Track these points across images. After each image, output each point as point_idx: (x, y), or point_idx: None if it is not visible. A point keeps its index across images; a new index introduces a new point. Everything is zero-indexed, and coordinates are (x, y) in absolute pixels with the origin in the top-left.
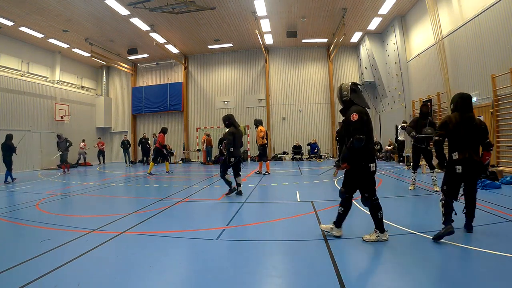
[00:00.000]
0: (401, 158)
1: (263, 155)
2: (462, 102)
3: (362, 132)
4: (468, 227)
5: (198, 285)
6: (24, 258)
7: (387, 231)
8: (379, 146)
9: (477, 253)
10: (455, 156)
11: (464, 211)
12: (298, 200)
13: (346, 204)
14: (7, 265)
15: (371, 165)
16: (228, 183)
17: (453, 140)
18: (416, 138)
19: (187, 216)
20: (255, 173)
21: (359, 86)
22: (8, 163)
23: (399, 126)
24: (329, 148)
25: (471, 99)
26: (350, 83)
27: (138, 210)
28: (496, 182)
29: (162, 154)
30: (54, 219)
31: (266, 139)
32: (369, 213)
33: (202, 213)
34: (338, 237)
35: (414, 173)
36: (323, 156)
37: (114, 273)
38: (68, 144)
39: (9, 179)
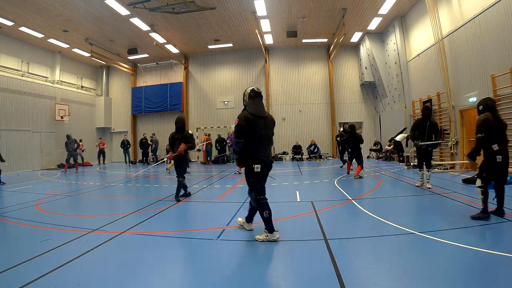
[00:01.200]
0: (401, 158)
1: None
2: (492, 103)
3: (241, 136)
4: (500, 211)
5: (198, 285)
6: (24, 258)
7: (277, 231)
8: (379, 146)
9: (477, 253)
10: (495, 147)
11: (495, 198)
12: (298, 200)
13: (266, 207)
14: (7, 265)
15: (255, 166)
16: (185, 187)
17: (492, 134)
18: (419, 146)
19: (187, 216)
20: (235, 173)
21: (259, 93)
22: None
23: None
24: (329, 148)
25: (495, 102)
26: (250, 89)
27: (138, 210)
28: None
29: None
30: (54, 219)
31: None
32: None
33: (202, 213)
34: (250, 230)
35: (420, 170)
36: (323, 156)
37: (114, 273)
38: (76, 145)
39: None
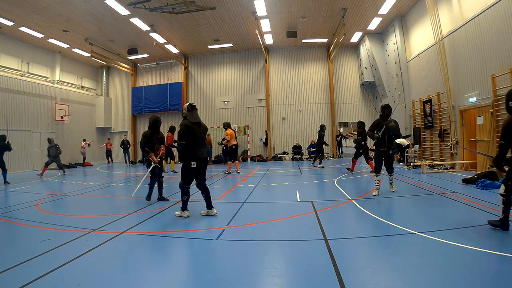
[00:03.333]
0: (401, 158)
1: (232, 155)
2: None
3: (182, 139)
4: None
5: (198, 285)
6: (24, 258)
7: (188, 211)
8: None
9: (477, 253)
10: None
11: None
12: (298, 200)
13: (187, 193)
14: (7, 265)
15: (192, 163)
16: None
17: None
18: (377, 142)
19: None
20: (224, 173)
21: (194, 106)
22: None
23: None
24: (329, 148)
25: None
26: (187, 104)
27: (138, 210)
28: (496, 182)
29: (170, 153)
30: (54, 219)
31: (236, 140)
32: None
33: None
34: (187, 217)
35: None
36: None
37: (114, 273)
38: (58, 151)
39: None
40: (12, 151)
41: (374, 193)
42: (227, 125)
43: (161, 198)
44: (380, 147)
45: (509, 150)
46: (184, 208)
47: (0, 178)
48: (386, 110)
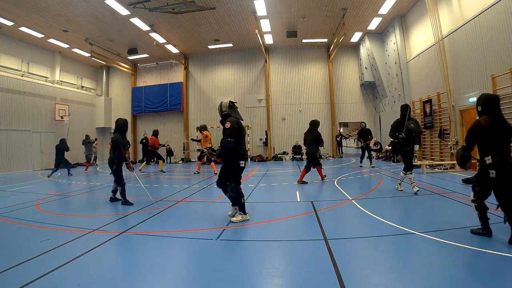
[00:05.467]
0: (397, 158)
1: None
2: (490, 104)
3: (232, 137)
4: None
5: (198, 285)
6: (24, 258)
7: (248, 213)
8: (379, 146)
9: (477, 253)
10: (489, 160)
11: (505, 218)
12: (298, 200)
13: (243, 195)
14: (7, 265)
15: (241, 162)
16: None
17: (485, 144)
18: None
19: (187, 216)
20: (194, 173)
21: (235, 104)
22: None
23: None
24: (329, 148)
25: (499, 100)
26: (228, 101)
27: (138, 210)
28: None
29: (156, 155)
30: (54, 219)
31: (210, 142)
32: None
33: (202, 213)
34: (248, 220)
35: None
36: (323, 156)
37: (114, 273)
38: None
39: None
40: (12, 151)
41: (415, 190)
42: (203, 128)
43: (125, 202)
44: (406, 146)
45: (479, 156)
46: (244, 210)
47: (65, 171)
48: (405, 109)
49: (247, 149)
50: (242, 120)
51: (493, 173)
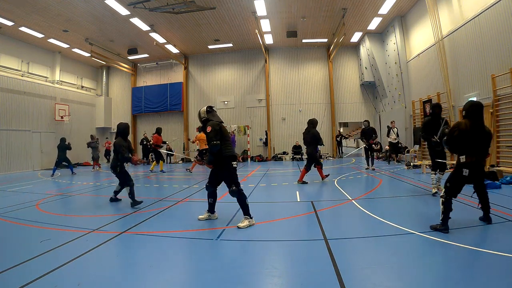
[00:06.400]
0: (397, 158)
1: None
2: (473, 110)
3: (216, 139)
4: (487, 219)
5: (198, 285)
6: (24, 258)
7: (253, 217)
8: (379, 146)
9: (477, 253)
10: (463, 159)
11: (480, 206)
12: (298, 200)
13: (214, 196)
14: (7, 265)
15: (233, 163)
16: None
17: (461, 144)
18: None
19: (187, 216)
20: (186, 169)
21: (213, 108)
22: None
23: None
24: (329, 148)
25: (482, 107)
26: (206, 107)
27: (138, 210)
28: (496, 182)
29: (157, 154)
30: (54, 219)
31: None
32: (370, 213)
33: (202, 213)
34: (216, 219)
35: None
36: (323, 156)
37: (114, 273)
38: (98, 144)
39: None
40: (12, 151)
41: (434, 191)
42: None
43: (134, 203)
44: (438, 147)
45: (451, 153)
46: (249, 214)
47: (65, 170)
48: (438, 108)
49: (247, 149)
50: (223, 122)
51: (466, 172)
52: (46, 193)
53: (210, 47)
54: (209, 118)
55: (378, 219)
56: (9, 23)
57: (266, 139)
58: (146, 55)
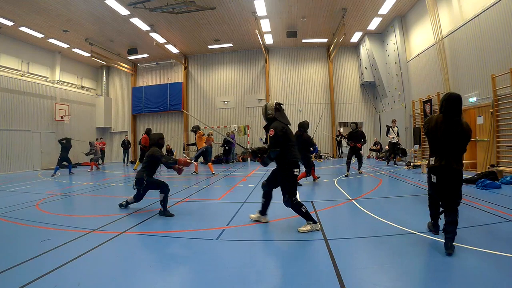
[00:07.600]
0: (395, 159)
1: (206, 156)
2: (447, 105)
3: (277, 146)
4: (447, 247)
5: (198, 285)
6: (24, 258)
7: (317, 222)
8: (379, 146)
9: (477, 253)
10: (432, 162)
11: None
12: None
13: (267, 197)
14: (7, 265)
15: (295, 170)
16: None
17: (430, 144)
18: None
19: (187, 216)
20: (192, 173)
21: (281, 106)
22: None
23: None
24: (329, 148)
25: (460, 101)
26: (274, 103)
27: (138, 210)
28: (496, 182)
29: (143, 154)
30: (54, 219)
31: (207, 141)
32: (370, 213)
33: (202, 213)
34: (266, 223)
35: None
36: (323, 156)
37: (114, 273)
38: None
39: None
40: (12, 151)
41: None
42: (196, 128)
43: (164, 213)
44: None
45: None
46: (311, 219)
47: (65, 170)
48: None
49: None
50: (290, 124)
51: (434, 179)
52: (46, 193)
53: (210, 47)
54: (277, 117)
55: (378, 219)
56: (9, 23)
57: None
58: (146, 55)
